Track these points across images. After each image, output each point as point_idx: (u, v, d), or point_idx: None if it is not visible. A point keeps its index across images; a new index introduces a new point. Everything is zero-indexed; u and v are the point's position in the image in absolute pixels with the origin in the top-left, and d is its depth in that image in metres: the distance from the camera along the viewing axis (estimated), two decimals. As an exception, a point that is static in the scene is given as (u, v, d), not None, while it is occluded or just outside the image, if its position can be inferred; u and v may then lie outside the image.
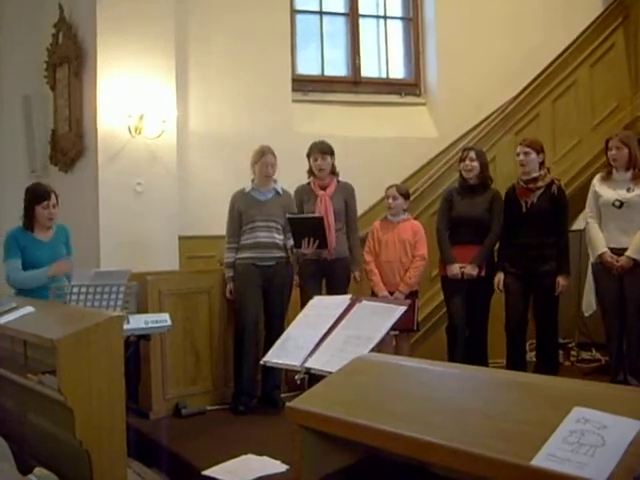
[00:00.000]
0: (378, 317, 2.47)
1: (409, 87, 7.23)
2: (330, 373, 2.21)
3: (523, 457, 1.42)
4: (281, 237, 4.94)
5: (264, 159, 4.91)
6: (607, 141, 4.85)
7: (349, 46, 7.13)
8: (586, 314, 5.40)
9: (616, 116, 6.36)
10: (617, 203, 4.71)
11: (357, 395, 1.84)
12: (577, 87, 6.44)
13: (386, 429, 1.63)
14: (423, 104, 7.18)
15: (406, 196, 5.11)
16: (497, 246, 5.05)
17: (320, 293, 4.82)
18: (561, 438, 1.45)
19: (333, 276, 5.01)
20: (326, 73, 7.05)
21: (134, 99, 5.58)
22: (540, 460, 1.41)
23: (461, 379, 1.86)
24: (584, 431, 1.45)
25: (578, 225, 5.49)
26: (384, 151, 6.55)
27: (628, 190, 4.72)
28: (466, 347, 5.07)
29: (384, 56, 7.27)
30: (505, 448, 1.46)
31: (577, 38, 6.46)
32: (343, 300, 2.66)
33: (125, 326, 3.38)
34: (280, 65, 6.54)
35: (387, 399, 1.78)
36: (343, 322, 2.53)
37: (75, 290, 3.83)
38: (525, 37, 6.77)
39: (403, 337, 5.01)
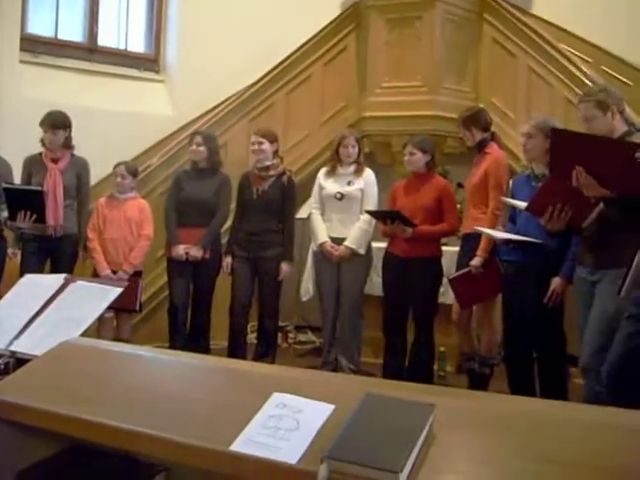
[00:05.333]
0: (92, 299, 2.39)
1: (148, 62, 7.02)
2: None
3: (222, 443, 1.44)
4: (-6, 208, 4.58)
5: None
6: (342, 138, 5.09)
7: (87, 11, 6.75)
8: (304, 299, 5.69)
9: (343, 114, 6.72)
10: (338, 195, 5.06)
11: (59, 382, 1.75)
12: (311, 83, 6.71)
13: (86, 418, 1.56)
14: (161, 81, 7.03)
15: (134, 174, 5.03)
16: (224, 229, 5.17)
17: (43, 272, 4.55)
18: (260, 423, 1.49)
19: (59, 254, 4.78)
20: (60, 37, 6.61)
21: None
22: (238, 445, 1.44)
23: (168, 365, 1.85)
24: (282, 416, 1.50)
25: (302, 214, 5.77)
26: (118, 125, 6.28)
27: (349, 183, 5.08)
28: (189, 329, 5.11)
29: (124, 27, 6.99)
30: (205, 434, 1.48)
31: (314, 36, 6.72)
32: (56, 280, 2.51)
33: None
34: (8, 21, 5.98)
35: (90, 386, 1.71)
36: (55, 303, 2.41)
37: None
38: (268, 28, 6.84)
39: (124, 317, 4.92)
